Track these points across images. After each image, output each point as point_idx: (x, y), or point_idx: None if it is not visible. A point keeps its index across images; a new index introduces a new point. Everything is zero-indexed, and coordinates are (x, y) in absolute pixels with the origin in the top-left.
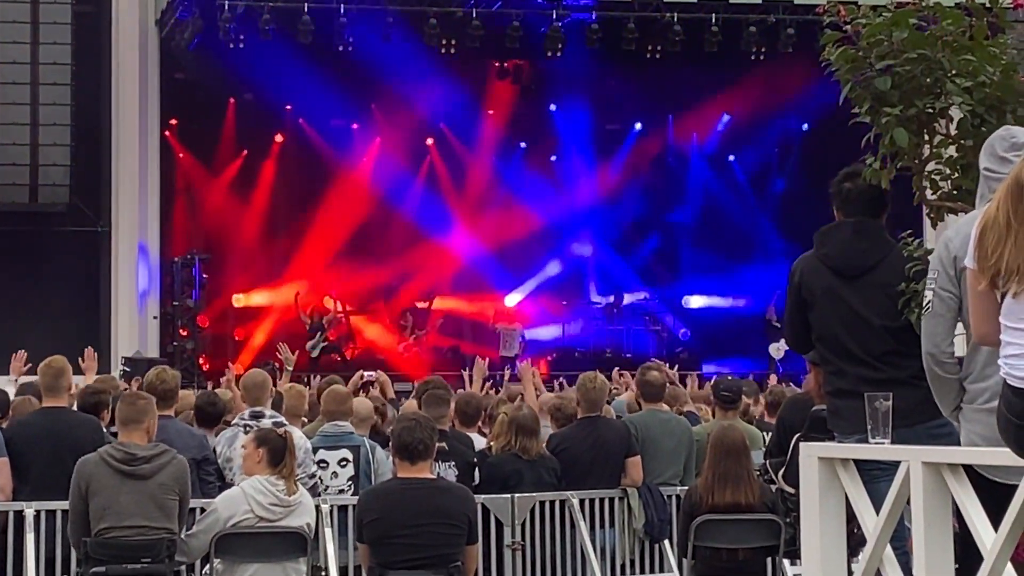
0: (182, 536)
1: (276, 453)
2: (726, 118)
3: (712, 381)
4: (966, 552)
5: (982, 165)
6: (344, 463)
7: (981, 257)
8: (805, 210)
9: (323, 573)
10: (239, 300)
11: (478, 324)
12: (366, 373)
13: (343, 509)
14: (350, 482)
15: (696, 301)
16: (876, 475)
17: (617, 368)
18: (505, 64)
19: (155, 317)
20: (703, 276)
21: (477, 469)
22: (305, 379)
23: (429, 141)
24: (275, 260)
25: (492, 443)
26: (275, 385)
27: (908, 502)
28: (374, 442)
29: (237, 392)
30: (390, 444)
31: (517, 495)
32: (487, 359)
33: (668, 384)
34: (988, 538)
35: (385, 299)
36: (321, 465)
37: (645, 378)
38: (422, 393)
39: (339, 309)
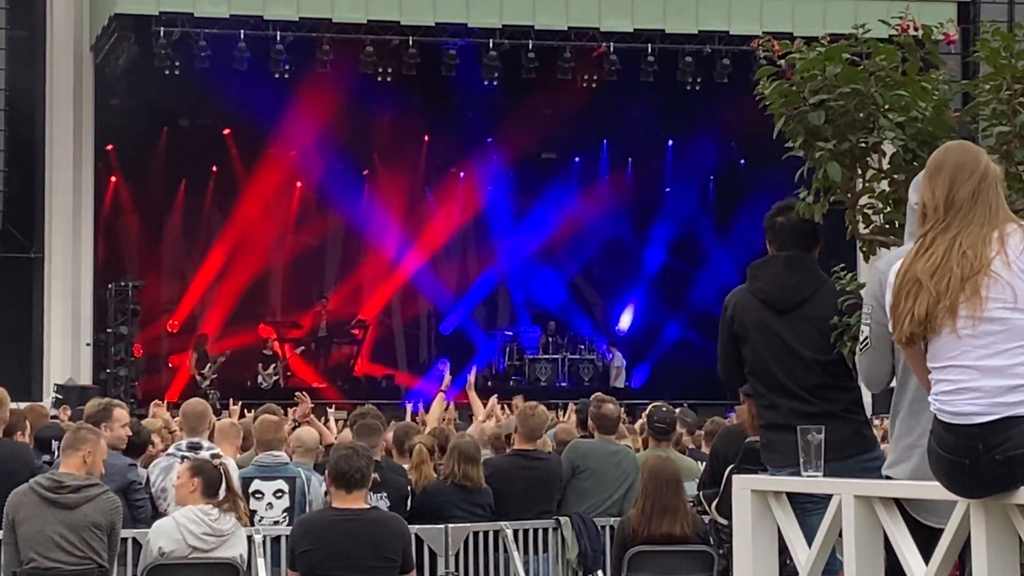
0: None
1: (211, 484)
2: (669, 143)
3: (646, 411)
4: None
5: (911, 201)
6: (280, 494)
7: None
8: (741, 240)
9: None
10: (174, 327)
11: (413, 353)
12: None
13: (276, 540)
14: (285, 514)
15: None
16: (808, 508)
17: (572, 403)
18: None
19: (88, 344)
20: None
21: (409, 499)
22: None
23: (365, 172)
24: (209, 286)
25: (412, 473)
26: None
27: (840, 535)
28: (311, 472)
29: (169, 421)
30: (326, 472)
31: (451, 525)
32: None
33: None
34: (919, 572)
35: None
36: (256, 496)
37: (600, 411)
38: (355, 423)
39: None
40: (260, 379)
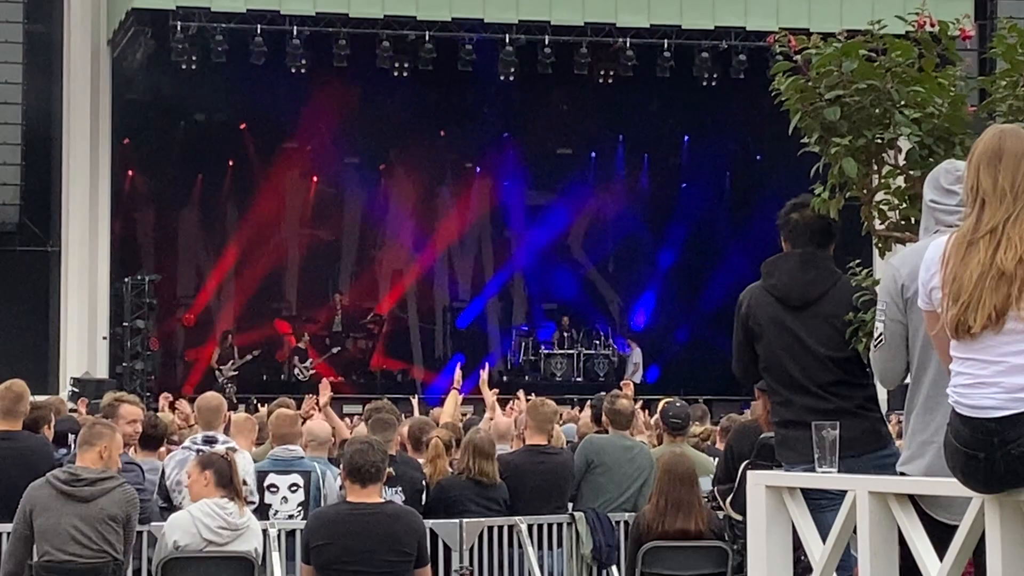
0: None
1: (223, 475)
2: (685, 139)
3: (660, 406)
4: None
5: (927, 197)
6: (295, 488)
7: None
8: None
9: None
10: (190, 320)
11: (428, 348)
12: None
13: (291, 534)
14: (300, 507)
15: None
16: (823, 504)
17: (589, 401)
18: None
19: (104, 337)
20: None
21: (424, 494)
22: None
23: (381, 166)
24: (225, 281)
25: (428, 467)
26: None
27: (854, 531)
28: (326, 466)
29: (189, 417)
30: (340, 467)
31: (465, 520)
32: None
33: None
34: (933, 568)
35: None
36: (271, 490)
37: (614, 407)
38: (370, 417)
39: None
40: (297, 371)
